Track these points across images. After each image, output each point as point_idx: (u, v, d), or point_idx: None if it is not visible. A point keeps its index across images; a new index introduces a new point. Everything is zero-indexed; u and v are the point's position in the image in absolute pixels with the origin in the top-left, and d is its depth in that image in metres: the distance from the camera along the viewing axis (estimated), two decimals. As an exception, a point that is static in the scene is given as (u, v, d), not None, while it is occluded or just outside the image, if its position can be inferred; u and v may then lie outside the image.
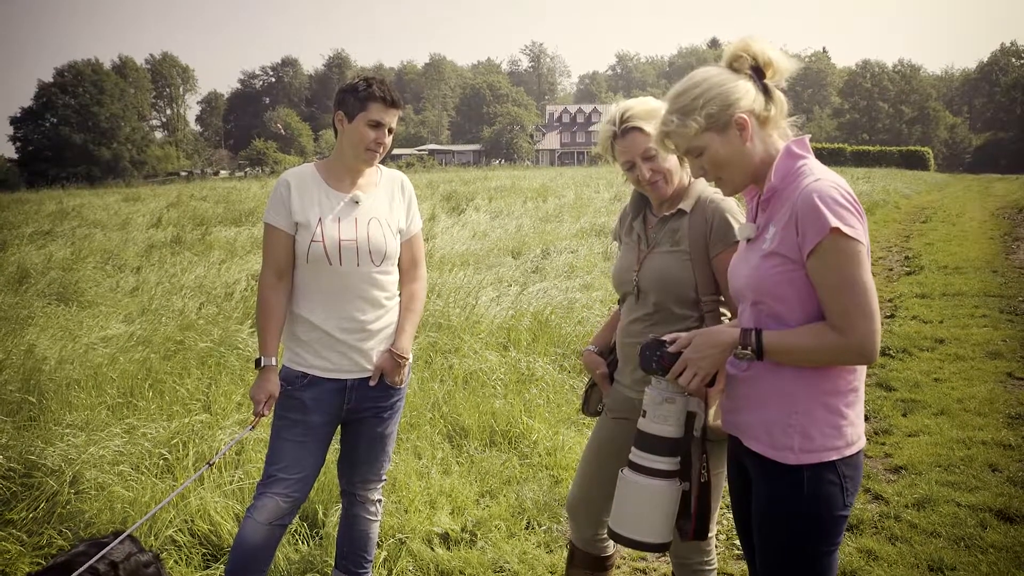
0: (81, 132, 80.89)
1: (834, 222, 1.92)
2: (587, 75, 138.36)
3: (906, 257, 13.37)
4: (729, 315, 2.73)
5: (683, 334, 2.20)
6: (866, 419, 5.63)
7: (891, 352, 7.39)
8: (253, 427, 3.06)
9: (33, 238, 15.19)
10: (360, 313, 3.03)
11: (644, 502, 2.21)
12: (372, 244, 3.02)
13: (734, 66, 2.12)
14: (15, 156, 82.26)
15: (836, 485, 2.04)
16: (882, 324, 8.36)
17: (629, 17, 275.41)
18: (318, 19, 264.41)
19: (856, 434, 2.09)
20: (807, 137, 2.14)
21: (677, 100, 2.10)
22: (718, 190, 2.70)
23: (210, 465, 3.09)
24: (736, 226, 2.64)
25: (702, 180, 2.76)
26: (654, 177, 2.70)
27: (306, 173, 3.08)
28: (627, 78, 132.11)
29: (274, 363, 3.01)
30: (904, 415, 5.79)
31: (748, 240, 2.21)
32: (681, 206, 2.74)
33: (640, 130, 2.67)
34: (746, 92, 2.09)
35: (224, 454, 3.93)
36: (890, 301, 9.88)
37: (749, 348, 2.05)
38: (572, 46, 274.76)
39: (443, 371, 6.01)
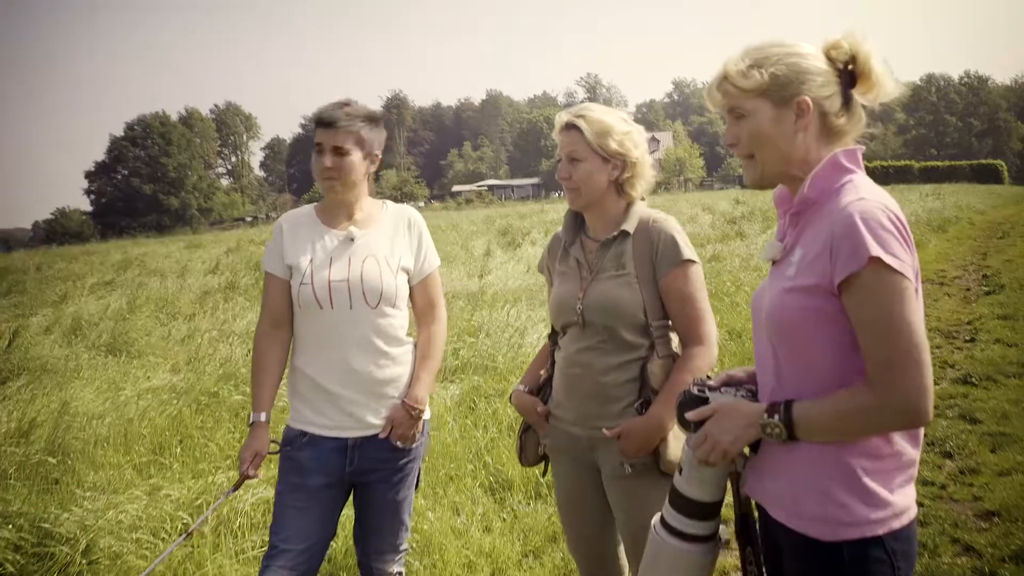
0: (151, 183, 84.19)
1: (875, 250, 1.58)
2: (644, 103, 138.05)
3: (984, 276, 12.66)
4: (678, 340, 2.54)
5: (714, 401, 1.87)
6: (950, 456, 5.20)
7: (974, 380, 6.83)
8: (236, 488, 2.80)
9: (94, 289, 15.44)
10: (356, 363, 2.74)
11: (676, 567, 1.93)
12: (366, 284, 2.74)
13: (830, 54, 1.79)
14: (90, 208, 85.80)
15: (885, 563, 1.67)
16: (962, 349, 7.74)
17: (685, 43, 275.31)
18: (376, 61, 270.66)
19: (906, 503, 1.72)
20: (860, 149, 1.80)
21: (750, 52, 1.82)
22: (661, 213, 2.59)
23: (188, 535, 2.86)
24: (682, 244, 2.50)
25: (642, 202, 2.62)
26: (566, 183, 2.59)
27: (302, 215, 2.90)
28: (684, 104, 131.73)
29: (263, 419, 2.76)
30: (993, 451, 5.26)
31: (773, 262, 1.88)
32: (624, 227, 2.57)
33: (579, 130, 2.55)
34: (822, 80, 1.77)
35: (203, 522, 3.70)
36: (969, 324, 9.28)
37: (776, 416, 1.71)
38: (628, 75, 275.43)
39: (487, 417, 5.70)
